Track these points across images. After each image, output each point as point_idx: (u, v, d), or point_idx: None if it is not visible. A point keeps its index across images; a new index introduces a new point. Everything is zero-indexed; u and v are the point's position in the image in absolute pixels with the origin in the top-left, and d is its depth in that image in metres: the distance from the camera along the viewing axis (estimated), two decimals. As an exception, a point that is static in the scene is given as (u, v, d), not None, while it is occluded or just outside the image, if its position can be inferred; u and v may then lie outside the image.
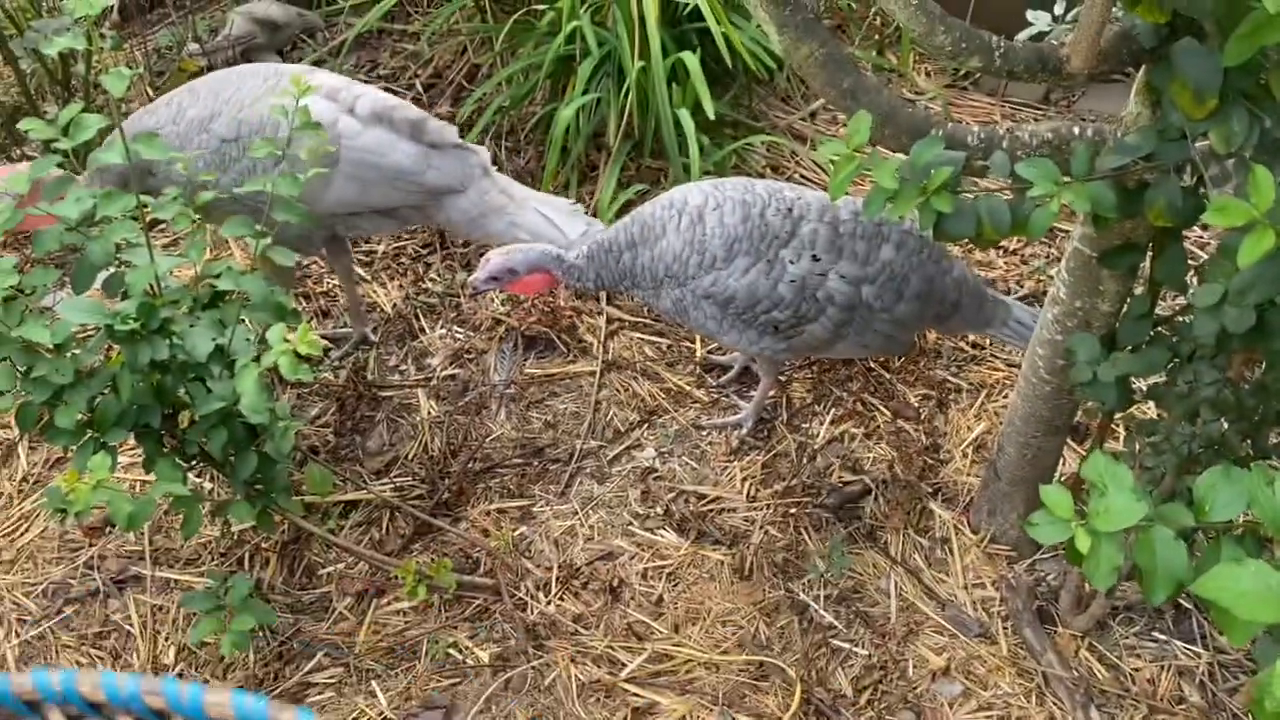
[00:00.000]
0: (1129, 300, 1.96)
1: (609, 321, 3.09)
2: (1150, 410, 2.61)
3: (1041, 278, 3.17)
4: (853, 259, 2.35)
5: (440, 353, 3.04)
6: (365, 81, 3.78)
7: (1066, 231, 3.16)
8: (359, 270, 3.27)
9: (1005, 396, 2.85)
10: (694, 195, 2.38)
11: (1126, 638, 2.37)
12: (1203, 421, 1.76)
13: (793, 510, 2.62)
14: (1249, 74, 1.42)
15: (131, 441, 2.00)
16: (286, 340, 1.79)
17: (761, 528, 2.60)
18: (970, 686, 2.30)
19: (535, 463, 2.77)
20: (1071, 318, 2.03)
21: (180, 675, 2.38)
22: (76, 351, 1.87)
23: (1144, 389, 1.94)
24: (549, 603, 2.46)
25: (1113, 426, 2.46)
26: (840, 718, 2.26)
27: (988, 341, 2.99)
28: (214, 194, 2.10)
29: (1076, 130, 1.76)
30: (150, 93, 3.75)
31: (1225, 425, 1.74)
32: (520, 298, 3.10)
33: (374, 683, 2.34)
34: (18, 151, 3.45)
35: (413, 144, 2.59)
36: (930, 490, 2.66)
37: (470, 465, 2.74)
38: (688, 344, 3.04)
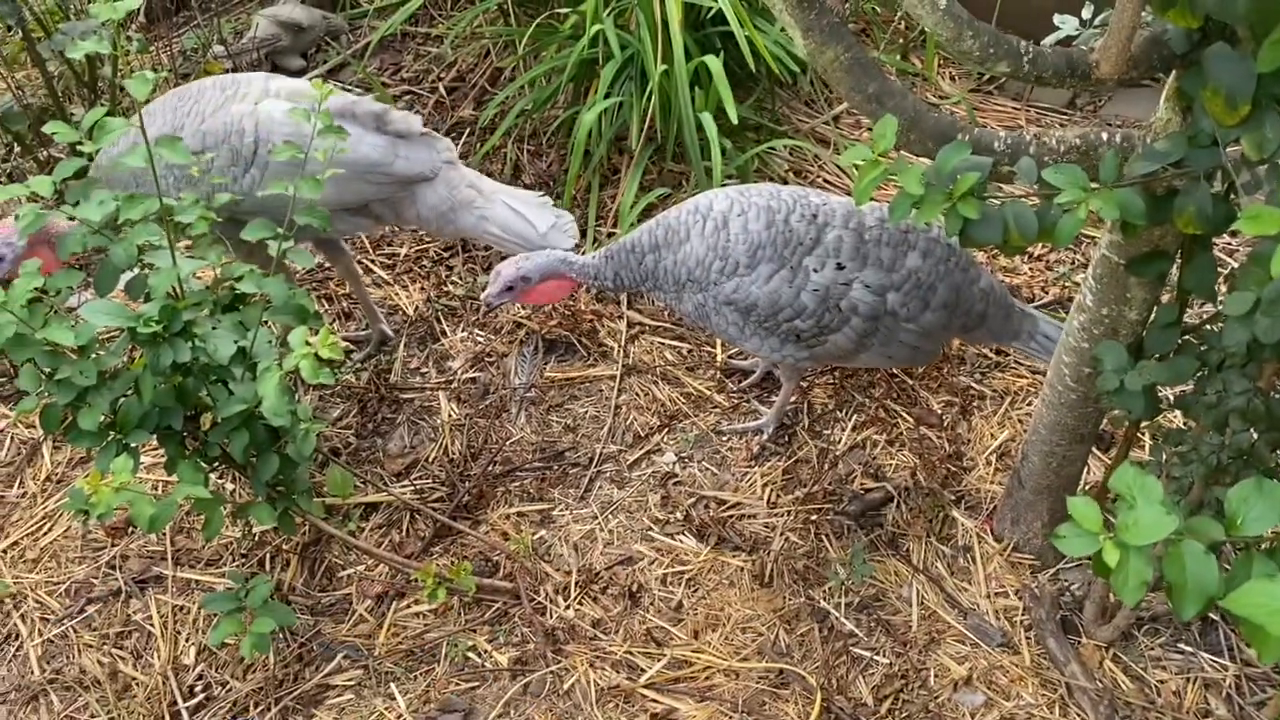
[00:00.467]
0: (1156, 308, 1.94)
1: (630, 326, 3.08)
2: (1177, 419, 2.58)
3: (1066, 284, 3.14)
4: (878, 266, 2.33)
5: (461, 356, 3.04)
6: (387, 85, 3.81)
7: (1093, 238, 3.13)
8: (381, 273, 3.28)
9: (1029, 403, 2.82)
10: (719, 200, 2.37)
11: (1152, 649, 2.34)
12: (1232, 432, 1.73)
13: (814, 517, 2.61)
14: (1283, 80, 1.40)
15: (154, 443, 2.01)
16: (308, 344, 1.79)
17: (782, 534, 2.58)
18: (992, 697, 2.28)
19: (555, 466, 2.77)
20: (1098, 325, 2.01)
21: (201, 676, 2.39)
22: (100, 354, 1.88)
23: (1171, 398, 1.92)
24: (568, 607, 2.46)
25: (1139, 435, 2.44)
26: (860, 727, 2.24)
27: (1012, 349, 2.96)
28: (231, 196, 2.10)
29: (1105, 136, 1.74)
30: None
31: (1255, 436, 1.72)
32: (545, 306, 3.09)
33: (393, 685, 2.34)
34: (44, 153, 3.47)
35: (378, 135, 2.61)
36: (953, 498, 2.64)
37: (490, 468, 2.74)
38: (709, 348, 3.03)
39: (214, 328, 1.92)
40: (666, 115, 3.21)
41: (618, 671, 2.34)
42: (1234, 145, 1.50)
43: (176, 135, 2.26)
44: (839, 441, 2.78)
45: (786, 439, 2.80)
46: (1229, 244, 3.22)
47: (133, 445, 1.91)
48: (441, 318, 3.15)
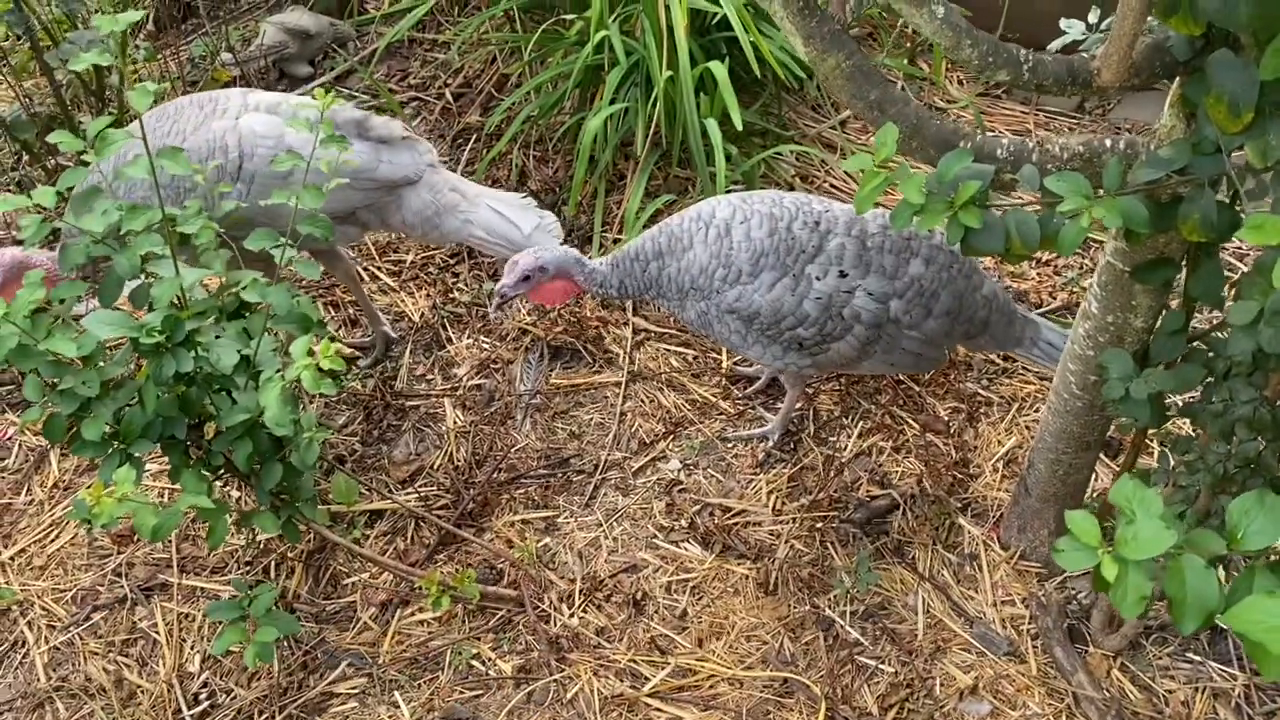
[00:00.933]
0: (1163, 315, 1.92)
1: (635, 332, 3.08)
2: (1186, 426, 2.56)
3: (1074, 290, 3.12)
4: (880, 274, 2.32)
5: (467, 362, 3.04)
6: (394, 91, 3.82)
7: (1100, 242, 3.11)
8: (387, 280, 3.29)
9: (1036, 410, 2.80)
10: (721, 208, 2.37)
11: (1160, 658, 2.33)
12: (1238, 441, 1.72)
13: (819, 524, 2.60)
14: (1287, 87, 1.38)
15: (159, 451, 2.01)
16: (310, 354, 1.79)
17: (787, 542, 2.57)
18: (999, 706, 2.27)
19: (560, 473, 2.77)
20: (1104, 333, 2.00)
21: (205, 683, 2.39)
22: (103, 364, 1.88)
23: (1179, 405, 1.90)
24: (572, 615, 2.45)
25: (1147, 443, 2.42)
26: (865, 736, 2.23)
27: (1019, 354, 2.94)
28: (235, 203, 2.11)
29: (1108, 143, 1.73)
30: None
31: (1261, 445, 1.70)
32: (547, 307, 3.09)
33: (397, 693, 2.34)
34: (52, 161, 3.49)
35: (360, 141, 2.62)
36: (959, 505, 2.63)
37: (495, 475, 2.74)
38: (714, 355, 3.02)
39: (217, 337, 1.92)
40: (672, 121, 3.21)
41: (621, 680, 2.33)
42: (1239, 151, 1.49)
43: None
44: (845, 448, 2.77)
45: (792, 446, 2.79)
46: (1240, 248, 3.20)
47: (136, 455, 1.91)
48: (447, 324, 3.15)
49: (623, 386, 2.94)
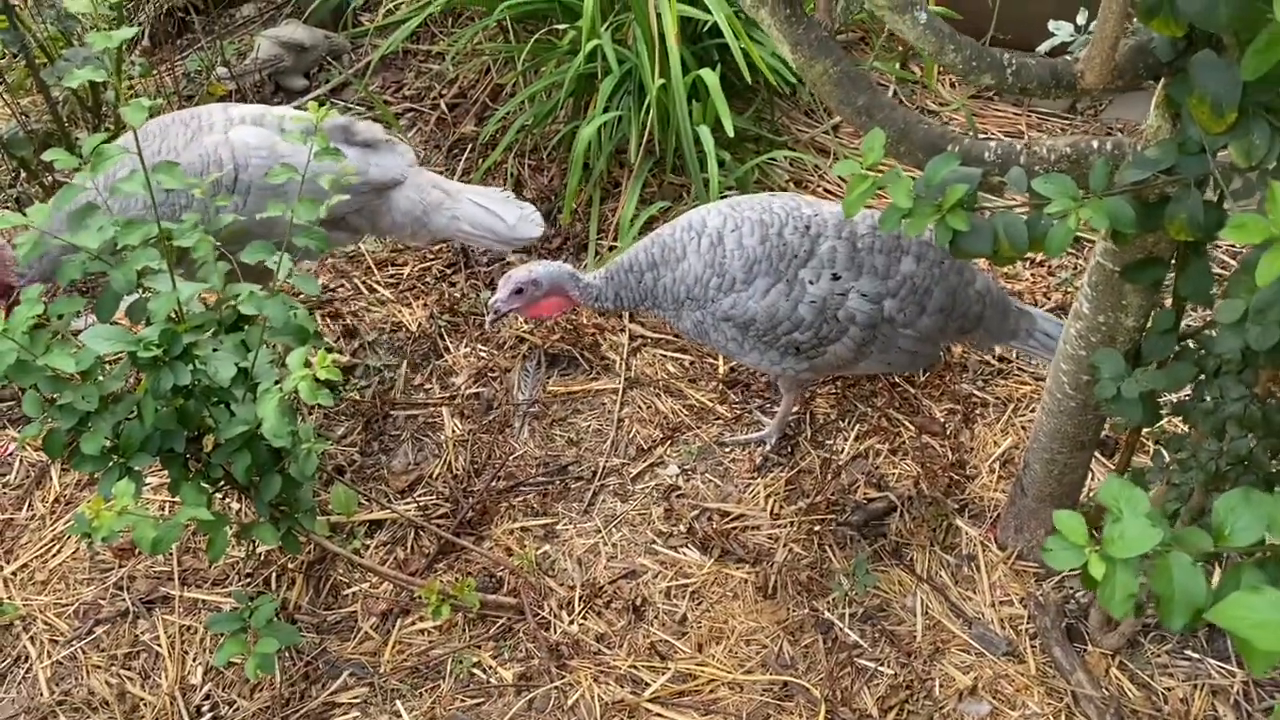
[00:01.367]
0: (1153, 314, 1.94)
1: (631, 339, 3.09)
2: (1180, 425, 2.57)
3: (1069, 290, 3.13)
4: (873, 274, 2.33)
5: (464, 371, 3.05)
6: (389, 103, 3.84)
7: (1093, 242, 3.12)
8: (385, 292, 3.30)
9: (1032, 411, 2.81)
10: (712, 217, 2.38)
11: (1158, 656, 2.33)
12: (1230, 438, 1.73)
13: (817, 527, 2.60)
14: (1269, 87, 1.40)
15: (158, 464, 2.02)
16: (307, 365, 1.80)
17: (785, 545, 2.58)
18: (998, 706, 2.27)
19: (558, 481, 2.78)
20: (1095, 333, 2.01)
21: (208, 695, 2.40)
22: (101, 379, 1.90)
23: (1171, 403, 1.91)
24: (572, 622, 2.46)
25: (1142, 442, 2.43)
26: (866, 738, 2.24)
27: (1014, 355, 2.96)
28: (234, 216, 2.13)
29: (1095, 145, 1.74)
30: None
31: (1253, 442, 1.71)
32: (542, 321, 3.10)
33: (398, 702, 2.35)
34: (50, 178, 3.50)
35: (348, 146, 2.67)
36: (956, 507, 2.64)
37: (494, 484, 2.75)
38: (710, 361, 3.03)
39: (215, 350, 1.93)
40: (665, 128, 3.23)
41: (622, 686, 2.34)
42: (1225, 151, 1.50)
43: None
44: (842, 451, 2.78)
45: (789, 449, 2.80)
46: (1232, 246, 3.21)
47: (136, 468, 1.92)
48: (445, 334, 3.16)
49: (620, 393, 2.95)
